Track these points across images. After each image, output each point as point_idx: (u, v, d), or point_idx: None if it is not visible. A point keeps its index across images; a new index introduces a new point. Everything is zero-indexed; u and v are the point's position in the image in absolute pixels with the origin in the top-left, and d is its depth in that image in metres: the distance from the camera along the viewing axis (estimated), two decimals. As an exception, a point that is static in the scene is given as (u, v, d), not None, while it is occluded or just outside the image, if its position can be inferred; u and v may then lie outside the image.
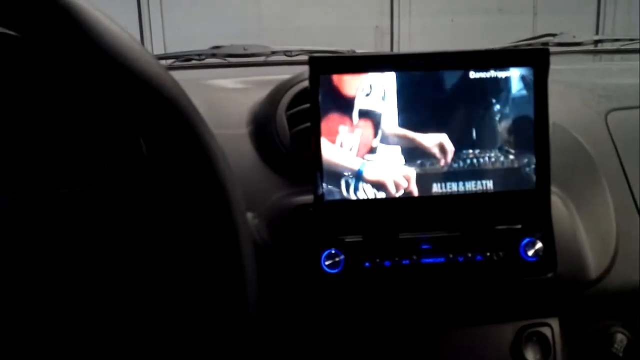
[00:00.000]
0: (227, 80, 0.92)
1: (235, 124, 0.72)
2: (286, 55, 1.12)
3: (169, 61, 1.12)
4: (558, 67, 0.97)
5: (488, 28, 3.32)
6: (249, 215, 0.55)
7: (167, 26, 3.28)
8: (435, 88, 0.62)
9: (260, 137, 0.70)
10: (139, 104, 0.40)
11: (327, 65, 0.60)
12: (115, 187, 0.44)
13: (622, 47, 1.22)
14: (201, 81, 0.91)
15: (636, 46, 1.20)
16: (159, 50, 2.98)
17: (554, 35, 1.21)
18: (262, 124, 0.70)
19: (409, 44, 3.40)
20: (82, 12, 0.38)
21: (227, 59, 1.12)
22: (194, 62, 1.12)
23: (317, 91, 0.60)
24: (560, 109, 0.75)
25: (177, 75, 1.13)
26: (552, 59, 0.63)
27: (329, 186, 0.61)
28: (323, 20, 3.23)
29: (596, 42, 1.25)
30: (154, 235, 0.43)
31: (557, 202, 0.68)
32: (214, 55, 1.12)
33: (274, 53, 1.12)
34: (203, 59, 1.12)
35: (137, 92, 0.39)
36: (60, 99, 0.50)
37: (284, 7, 3.26)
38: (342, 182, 0.61)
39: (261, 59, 1.12)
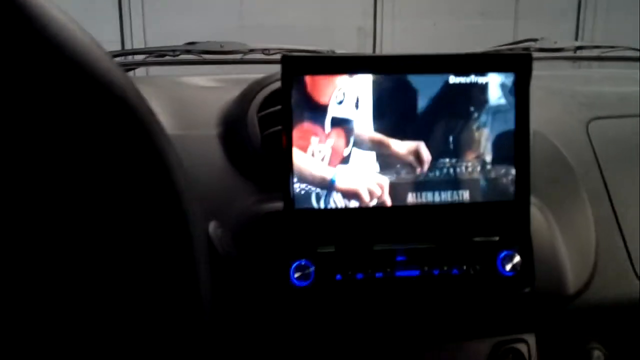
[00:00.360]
0: (200, 78, 0.88)
1: (205, 125, 0.68)
2: (264, 53, 1.08)
3: (141, 57, 1.07)
4: (540, 73, 0.95)
5: (470, 32, 3.32)
6: (212, 224, 0.51)
7: (147, 21, 3.21)
8: (413, 93, 0.59)
9: (230, 139, 0.66)
10: (85, 101, 0.36)
11: (301, 66, 0.57)
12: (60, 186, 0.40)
13: (603, 55, 1.20)
14: (171, 78, 0.87)
15: (616, 54, 1.18)
16: (139, 46, 2.92)
17: (535, 40, 1.19)
18: (232, 125, 0.66)
19: (392, 46, 3.37)
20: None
21: (202, 55, 1.08)
22: (167, 58, 1.08)
23: (290, 93, 0.56)
24: (541, 116, 0.72)
25: (151, 71, 1.09)
26: (533, 64, 0.61)
27: (300, 193, 0.58)
28: (305, 20, 3.20)
29: (577, 48, 1.23)
30: (103, 240, 0.40)
31: (536, 214, 0.65)
32: (188, 52, 1.08)
33: (251, 51, 1.08)
34: (177, 55, 1.07)
35: (83, 87, 0.36)
36: None
37: (266, 6, 3.22)
38: (314, 189, 0.58)
39: (238, 56, 1.08)
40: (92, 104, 0.36)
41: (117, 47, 2.87)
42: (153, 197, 0.37)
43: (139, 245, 0.38)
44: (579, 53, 1.26)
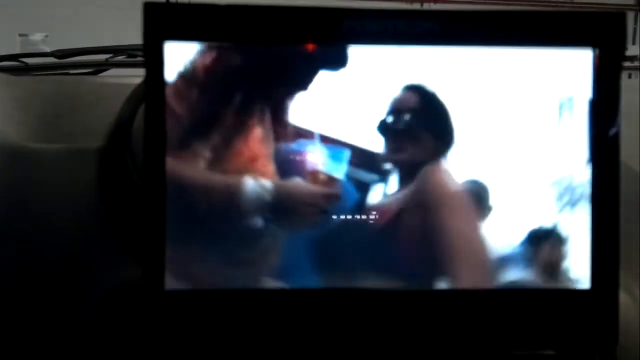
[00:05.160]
0: (124, 77, 0.63)
1: (90, 134, 0.42)
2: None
3: (105, 56, 0.83)
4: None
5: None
6: None
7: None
8: (395, 78, 0.30)
9: (109, 156, 0.38)
10: None
11: (180, 23, 0.28)
12: None
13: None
14: (71, 77, 0.63)
15: None
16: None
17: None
18: (114, 136, 0.39)
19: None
20: None
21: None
22: (139, 59, 0.84)
23: (161, 70, 0.28)
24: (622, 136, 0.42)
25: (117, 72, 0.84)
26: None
27: (181, 259, 0.29)
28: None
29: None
30: None
31: (628, 307, 0.35)
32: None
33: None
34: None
35: None
36: None
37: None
38: (207, 250, 0.29)
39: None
40: None
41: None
42: None
43: None
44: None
